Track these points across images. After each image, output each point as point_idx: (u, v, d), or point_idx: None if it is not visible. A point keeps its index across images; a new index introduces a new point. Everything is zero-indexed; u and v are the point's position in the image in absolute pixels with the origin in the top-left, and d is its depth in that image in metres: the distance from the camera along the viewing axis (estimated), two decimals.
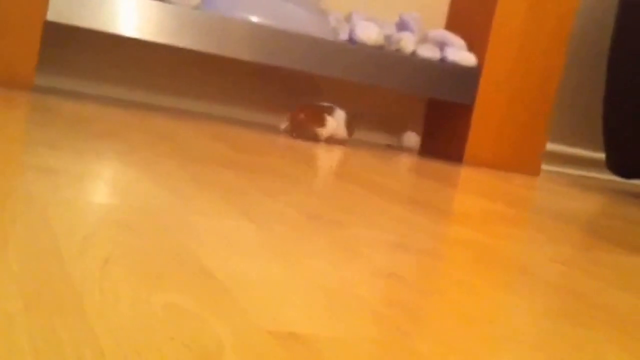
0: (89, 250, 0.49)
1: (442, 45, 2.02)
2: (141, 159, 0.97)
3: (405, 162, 1.77)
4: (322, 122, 1.86)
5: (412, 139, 2.17)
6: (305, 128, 1.86)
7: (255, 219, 0.72)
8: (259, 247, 0.61)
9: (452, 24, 2.18)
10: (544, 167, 2.49)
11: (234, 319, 0.41)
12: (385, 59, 1.89)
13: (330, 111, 1.89)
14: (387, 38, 1.94)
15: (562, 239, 1.01)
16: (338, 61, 1.84)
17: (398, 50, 1.93)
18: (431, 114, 2.18)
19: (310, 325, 0.43)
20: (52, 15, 1.61)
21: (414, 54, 1.95)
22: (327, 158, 1.50)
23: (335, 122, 1.89)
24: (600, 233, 1.17)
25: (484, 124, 2.03)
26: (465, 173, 1.78)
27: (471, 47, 2.05)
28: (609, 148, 2.22)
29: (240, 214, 0.74)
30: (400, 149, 2.06)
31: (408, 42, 1.93)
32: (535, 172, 2.12)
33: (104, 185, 0.74)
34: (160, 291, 0.44)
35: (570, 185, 2.02)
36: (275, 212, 0.78)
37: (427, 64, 1.94)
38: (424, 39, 2.04)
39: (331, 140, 1.91)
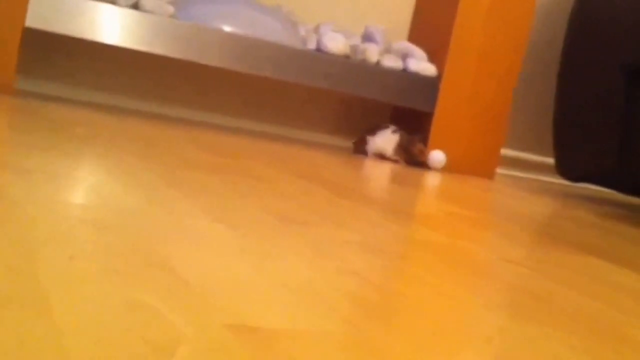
0: (56, 248, 0.48)
1: (404, 56, 2.02)
2: (118, 161, 0.96)
3: (370, 166, 1.76)
4: (365, 141, 2.04)
5: (438, 158, 2.08)
6: (357, 145, 2.07)
7: (225, 220, 0.71)
8: (226, 246, 0.60)
9: (414, 36, 2.18)
10: (499, 170, 2.50)
11: (194, 315, 0.40)
12: (351, 68, 1.89)
13: (374, 131, 2.03)
14: (353, 48, 1.93)
15: (516, 240, 1.01)
16: (306, 69, 1.84)
17: (363, 60, 1.93)
18: (395, 121, 2.19)
19: (269, 320, 0.42)
20: (31, 22, 1.58)
21: (378, 63, 1.95)
22: (299, 162, 1.50)
23: (378, 140, 2.00)
24: (552, 234, 1.17)
25: (444, 130, 2.03)
26: (427, 176, 1.78)
27: (432, 58, 2.06)
28: (558, 153, 2.24)
29: (211, 214, 0.73)
30: (414, 165, 2.05)
31: (373, 53, 1.93)
32: (490, 175, 2.13)
33: (78, 186, 0.73)
34: (125, 288, 0.43)
35: (523, 189, 2.03)
36: (245, 213, 0.77)
37: (390, 73, 1.94)
38: (387, 50, 2.04)
39: (383, 158, 2.01)
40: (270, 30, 1.84)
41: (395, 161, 2.01)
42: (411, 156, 1.99)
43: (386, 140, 2.00)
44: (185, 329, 0.38)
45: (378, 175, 1.56)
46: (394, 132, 2.00)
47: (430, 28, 2.12)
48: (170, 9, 1.73)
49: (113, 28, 1.66)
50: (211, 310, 0.42)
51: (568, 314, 0.61)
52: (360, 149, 2.05)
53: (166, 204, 0.72)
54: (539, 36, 2.47)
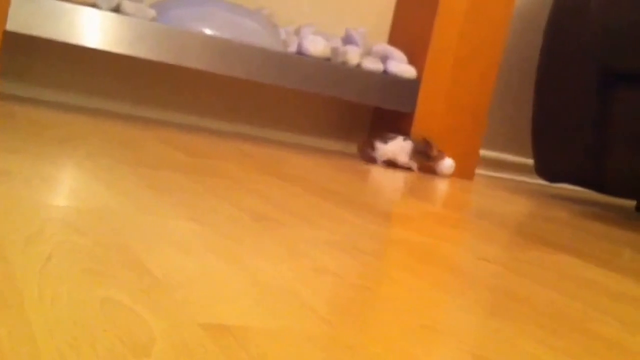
0: (32, 249, 0.48)
1: (384, 58, 2.03)
2: (96, 163, 0.96)
3: (350, 166, 1.77)
4: (372, 147, 2.02)
5: (447, 164, 2.08)
6: (363, 151, 2.05)
7: (201, 220, 0.72)
8: (201, 245, 0.61)
9: (395, 39, 2.20)
10: (478, 171, 2.52)
11: (167, 313, 0.41)
12: (332, 71, 1.90)
13: (386, 139, 2.02)
14: (334, 51, 1.94)
15: (492, 239, 1.02)
16: (287, 72, 1.84)
17: (344, 63, 1.94)
18: (376, 122, 2.20)
19: (242, 318, 0.43)
20: (11, 25, 1.58)
21: (358, 66, 1.96)
22: (276, 162, 1.50)
23: (390, 148, 2.00)
24: (528, 233, 1.19)
25: (423, 131, 2.05)
26: (405, 177, 1.79)
27: (411, 60, 2.07)
28: (536, 154, 2.26)
29: (187, 214, 0.73)
30: (427, 171, 2.07)
31: (353, 55, 1.94)
32: (469, 176, 2.14)
33: (56, 188, 0.73)
34: (99, 287, 0.43)
35: (502, 189, 2.05)
36: (221, 213, 0.78)
37: (370, 75, 1.95)
38: (368, 52, 2.05)
39: (395, 165, 2.02)
40: (251, 33, 1.85)
41: (407, 168, 2.02)
42: (429, 159, 2.01)
43: (399, 147, 2.01)
44: (159, 328, 0.38)
45: (356, 175, 1.57)
46: (405, 139, 2.02)
47: (410, 31, 2.14)
48: (151, 12, 1.73)
49: (94, 31, 1.66)
50: (185, 309, 0.43)
51: (539, 311, 0.62)
52: (367, 155, 2.04)
53: (142, 205, 0.73)
54: (518, 38, 2.49)
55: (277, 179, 1.19)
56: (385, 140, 2.03)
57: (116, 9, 1.70)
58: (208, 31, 1.80)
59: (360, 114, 2.25)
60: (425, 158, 2.03)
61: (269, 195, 0.99)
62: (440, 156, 2.03)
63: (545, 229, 1.30)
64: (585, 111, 2.11)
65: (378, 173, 1.74)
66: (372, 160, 2.04)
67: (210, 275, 0.51)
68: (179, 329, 0.39)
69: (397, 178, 1.71)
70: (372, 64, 1.97)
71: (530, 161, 2.59)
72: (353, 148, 2.26)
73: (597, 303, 0.71)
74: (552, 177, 2.14)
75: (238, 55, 1.79)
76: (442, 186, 1.74)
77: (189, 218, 0.71)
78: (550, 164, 2.13)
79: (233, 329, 0.41)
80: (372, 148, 2.03)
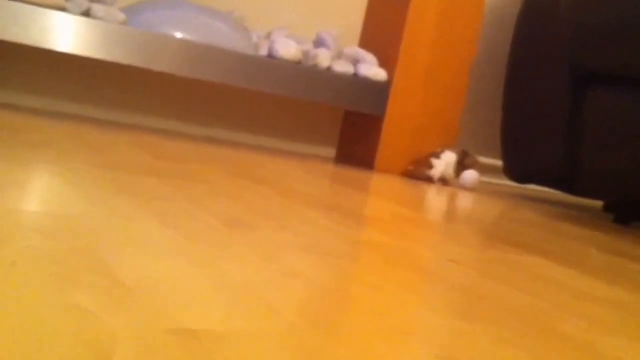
0: None
1: (355, 61, 2.04)
2: (68, 167, 0.95)
3: (321, 169, 1.78)
4: (430, 165, 2.05)
5: (470, 177, 2.09)
6: (418, 173, 2.06)
7: (170, 223, 0.72)
8: (170, 250, 0.60)
9: (366, 42, 2.20)
10: None
11: (132, 318, 0.41)
12: (303, 73, 1.90)
13: (437, 155, 2.06)
14: (305, 54, 1.95)
15: (462, 241, 1.03)
16: (259, 75, 1.84)
17: (315, 65, 1.94)
18: (346, 125, 2.20)
19: (209, 322, 0.43)
20: None
21: (329, 69, 1.96)
22: (248, 165, 1.50)
23: (444, 163, 2.05)
24: (497, 234, 1.20)
25: (394, 133, 2.06)
26: (377, 179, 1.80)
27: (382, 63, 2.08)
28: (505, 155, 2.28)
29: (158, 219, 0.73)
30: (447, 184, 2.09)
31: (324, 58, 1.94)
32: None
33: (26, 193, 0.72)
34: (64, 293, 0.43)
35: (473, 190, 2.06)
36: (191, 217, 0.78)
37: (341, 78, 1.95)
38: (339, 55, 2.06)
39: (444, 181, 2.07)
40: (222, 37, 1.84)
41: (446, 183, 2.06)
42: (464, 167, 2.06)
43: (447, 161, 2.05)
44: (123, 332, 0.38)
45: (326, 178, 1.57)
46: (454, 153, 2.07)
47: (381, 33, 2.15)
48: (122, 16, 1.72)
49: (65, 35, 1.64)
50: (151, 313, 0.42)
51: (506, 311, 0.63)
52: (422, 173, 2.05)
53: (112, 209, 0.72)
54: (490, 40, 2.51)
55: (249, 182, 1.19)
56: (438, 155, 2.06)
57: (86, 13, 1.69)
58: (179, 34, 1.80)
59: (331, 116, 2.26)
60: (461, 169, 2.07)
61: (241, 199, 0.98)
62: (475, 165, 2.07)
63: (513, 230, 1.31)
64: (555, 112, 2.13)
65: (351, 177, 1.74)
66: (428, 179, 2.04)
67: (178, 280, 0.51)
68: (143, 333, 0.39)
69: (369, 181, 1.72)
70: (343, 67, 1.98)
71: (500, 162, 2.62)
72: (326, 151, 2.26)
73: (564, 303, 0.72)
74: (521, 178, 2.16)
75: (209, 59, 1.79)
76: (413, 189, 1.75)
77: (159, 222, 0.71)
78: (519, 165, 2.15)
79: (199, 333, 0.41)
80: (429, 166, 2.04)
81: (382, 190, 1.56)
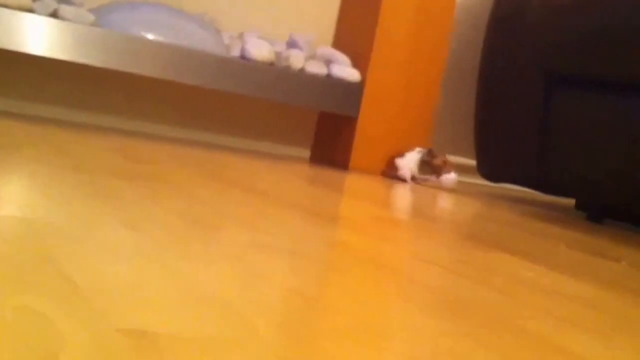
0: None
1: (328, 62, 2.03)
2: (34, 170, 0.93)
3: (295, 170, 1.77)
4: (394, 167, 2.07)
5: (450, 177, 2.10)
6: (387, 173, 2.09)
7: (135, 226, 0.70)
8: (131, 252, 0.59)
9: (339, 43, 2.20)
10: None
11: (84, 320, 0.40)
12: (276, 75, 1.89)
13: (402, 155, 2.07)
14: (277, 55, 1.94)
15: (434, 240, 1.03)
16: (231, 76, 1.83)
17: (288, 67, 1.93)
18: (321, 125, 2.20)
19: (166, 325, 0.42)
20: None
21: (302, 70, 1.96)
22: (221, 167, 1.49)
23: (405, 161, 2.05)
24: (469, 233, 1.20)
25: (368, 134, 2.05)
26: (350, 180, 1.79)
27: (356, 64, 2.08)
28: (479, 155, 2.28)
29: (121, 221, 0.71)
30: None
31: (297, 59, 1.94)
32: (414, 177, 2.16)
33: None
34: (15, 295, 0.42)
35: (447, 190, 2.06)
36: (157, 219, 0.76)
37: (314, 79, 1.95)
38: (312, 56, 2.05)
39: (418, 180, 2.07)
40: (193, 38, 1.83)
41: (424, 180, 2.05)
42: (434, 169, 2.05)
43: (413, 160, 2.05)
44: (74, 335, 0.37)
45: (300, 178, 1.56)
46: (419, 152, 2.06)
47: (354, 34, 2.14)
48: (91, 17, 1.70)
49: (32, 37, 1.62)
50: (105, 315, 0.41)
51: (476, 310, 0.62)
52: (392, 176, 2.07)
53: (76, 211, 0.71)
54: (463, 40, 2.51)
55: (220, 183, 1.18)
56: (402, 155, 2.06)
57: (54, 14, 1.67)
58: (150, 36, 1.78)
59: (306, 117, 2.25)
60: (429, 169, 2.05)
61: (209, 200, 0.97)
62: (446, 167, 2.06)
63: (486, 229, 1.31)
64: (529, 111, 2.14)
65: (325, 177, 1.73)
66: (401, 179, 2.05)
67: (136, 282, 0.50)
68: (94, 335, 0.37)
69: (343, 181, 1.71)
70: (316, 68, 1.97)
71: (474, 162, 2.62)
72: (301, 152, 2.25)
73: (534, 301, 0.72)
74: (495, 177, 2.17)
75: (180, 60, 1.77)
76: (387, 188, 1.75)
77: (123, 224, 0.70)
78: (493, 165, 2.15)
79: (154, 336, 0.39)
80: (395, 169, 2.05)
81: (356, 190, 1.56)
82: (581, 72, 1.99)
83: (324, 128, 2.18)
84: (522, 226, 1.49)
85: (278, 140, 2.22)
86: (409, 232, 1.05)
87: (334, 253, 0.77)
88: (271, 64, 1.92)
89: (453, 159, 2.57)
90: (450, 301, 0.64)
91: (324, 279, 0.63)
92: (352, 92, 2.01)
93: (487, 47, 2.29)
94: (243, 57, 1.89)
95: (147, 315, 0.43)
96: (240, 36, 1.98)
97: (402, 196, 1.65)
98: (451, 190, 2.07)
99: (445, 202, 1.69)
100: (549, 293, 0.77)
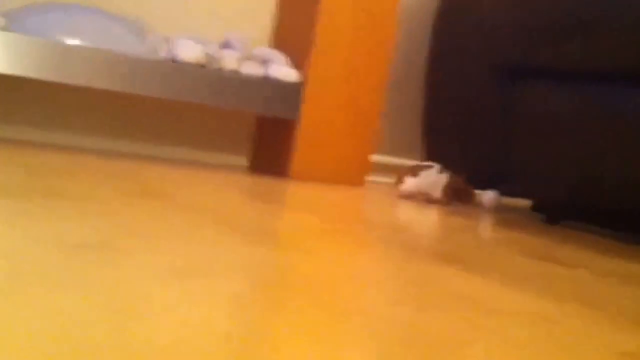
0: None
1: (265, 62, 1.94)
2: None
3: (231, 180, 1.67)
4: (402, 181, 1.97)
5: (488, 196, 2.05)
6: (396, 186, 2.00)
7: (13, 253, 0.60)
8: None
9: (278, 43, 2.11)
10: (370, 178, 2.46)
11: None
12: (208, 77, 1.79)
13: (416, 171, 1.96)
14: (209, 56, 1.84)
15: (376, 254, 0.94)
16: (158, 80, 1.73)
17: (220, 69, 1.84)
18: (260, 131, 2.10)
19: None
20: None
21: (237, 71, 1.86)
22: (144, 179, 1.38)
23: (415, 181, 1.95)
24: (417, 244, 1.12)
25: (310, 138, 1.96)
26: (291, 188, 1.70)
27: (296, 64, 1.99)
28: (430, 157, 2.22)
29: None
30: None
31: (230, 60, 1.84)
32: (359, 183, 2.08)
33: None
34: None
35: (394, 196, 1.99)
36: (43, 242, 0.66)
37: (250, 81, 1.85)
38: (248, 57, 1.96)
39: (430, 200, 1.96)
40: (117, 41, 1.72)
41: (441, 203, 1.97)
42: (459, 197, 1.98)
43: (433, 181, 1.96)
44: None
45: (234, 189, 1.46)
46: (441, 171, 1.98)
47: (293, 33, 2.05)
48: (1, 20, 1.59)
49: None
50: None
51: (414, 335, 0.54)
52: (397, 188, 1.99)
53: None
54: (409, 38, 2.45)
55: (140, 197, 1.08)
56: (415, 172, 1.96)
57: None
58: (69, 40, 1.67)
59: (244, 123, 2.15)
60: (461, 196, 1.98)
61: (119, 218, 0.87)
62: (469, 196, 2.00)
63: (436, 238, 1.23)
64: (481, 110, 2.08)
65: (262, 186, 1.64)
66: (410, 196, 1.97)
67: None
68: None
69: (281, 190, 1.62)
70: (252, 69, 1.88)
71: None
72: (240, 160, 2.15)
73: (475, 321, 0.63)
74: None
75: (103, 64, 1.66)
76: (328, 195, 1.66)
77: None
78: (446, 166, 2.09)
79: None
80: (400, 182, 1.97)
81: (292, 199, 1.47)
82: (534, 64, 1.94)
83: (264, 134, 2.09)
84: (476, 233, 1.42)
85: (215, 148, 2.12)
86: (346, 245, 0.96)
87: (252, 273, 0.67)
88: (202, 66, 1.82)
89: (400, 161, 2.50)
90: (385, 328, 0.55)
91: (233, 305, 0.54)
92: (291, 93, 1.92)
93: (435, 44, 2.22)
94: (172, 59, 1.78)
95: None
96: (169, 37, 1.87)
97: (342, 203, 1.56)
98: (492, 210, 2.02)
99: (393, 210, 1.62)
100: (494, 311, 0.69)
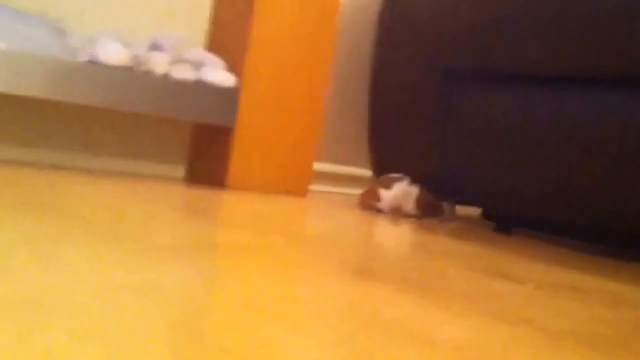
0: None
1: (199, 65, 1.83)
2: None
3: (161, 191, 1.55)
4: (377, 197, 1.89)
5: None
6: (365, 201, 1.92)
7: None
8: None
9: (213, 45, 2.00)
10: (313, 187, 2.36)
11: None
12: (134, 81, 1.67)
13: (387, 183, 1.89)
14: (135, 58, 1.72)
15: (305, 273, 0.84)
16: (78, 85, 1.60)
17: (149, 72, 1.72)
18: (197, 139, 1.99)
19: None
20: None
21: (167, 75, 1.75)
22: (54, 195, 1.26)
23: (392, 195, 1.87)
24: (349, 261, 1.02)
25: (248, 146, 1.86)
26: (226, 199, 1.59)
27: (232, 68, 1.88)
28: (374, 163, 2.13)
29: None
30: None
31: (159, 63, 1.72)
32: (302, 193, 1.97)
33: None
34: None
35: (336, 205, 1.89)
36: None
37: (182, 85, 1.74)
38: (179, 60, 1.84)
39: (400, 214, 1.88)
40: (31, 41, 1.60)
41: (413, 216, 1.88)
42: (431, 211, 1.90)
43: (405, 193, 1.88)
44: None
45: (161, 201, 1.35)
46: (410, 184, 1.90)
47: (229, 35, 1.95)
48: None
49: None
50: None
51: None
52: (372, 207, 1.90)
53: None
54: (350, 41, 2.36)
55: (46, 216, 0.96)
56: (388, 185, 1.87)
57: None
58: None
59: (180, 130, 2.03)
60: (433, 211, 1.90)
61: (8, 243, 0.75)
62: (438, 208, 1.92)
63: (371, 253, 1.14)
64: (426, 115, 2.00)
65: (193, 198, 1.53)
66: (375, 208, 1.89)
67: None
68: None
69: (212, 201, 1.51)
70: (183, 73, 1.76)
71: (369, 172, 2.46)
72: (174, 170, 2.03)
73: (399, 350, 0.53)
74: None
75: (19, 68, 1.54)
76: (267, 206, 1.55)
77: None
78: (389, 172, 2.00)
79: None
80: (377, 199, 1.88)
81: (223, 212, 1.36)
82: (477, 66, 1.86)
83: (200, 142, 1.97)
84: (418, 245, 1.33)
85: (150, 158, 1.99)
86: (272, 263, 0.86)
87: (142, 302, 0.56)
88: (129, 69, 1.70)
89: (348, 170, 2.41)
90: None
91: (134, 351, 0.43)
92: (227, 99, 1.81)
93: (378, 50, 2.14)
94: (93, 61, 1.66)
95: None
96: (91, 39, 1.75)
97: (280, 214, 1.45)
98: (447, 220, 1.93)
99: (328, 220, 1.52)
100: (422, 340, 0.59)
